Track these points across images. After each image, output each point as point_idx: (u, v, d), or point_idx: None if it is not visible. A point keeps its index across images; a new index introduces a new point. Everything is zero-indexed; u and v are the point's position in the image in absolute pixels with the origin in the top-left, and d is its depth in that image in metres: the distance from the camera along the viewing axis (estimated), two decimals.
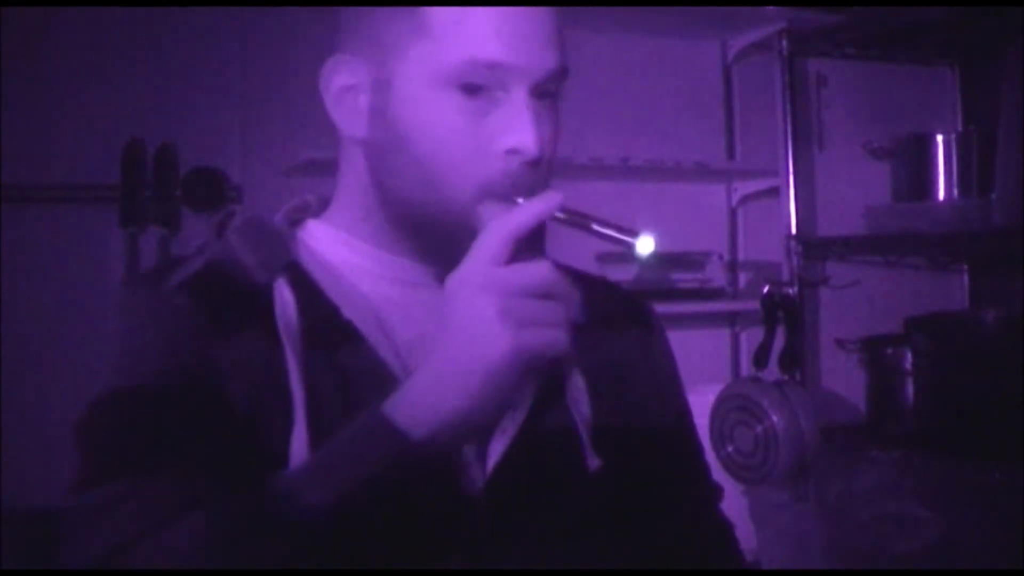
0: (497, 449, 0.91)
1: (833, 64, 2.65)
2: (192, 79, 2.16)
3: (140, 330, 0.90)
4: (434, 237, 0.94)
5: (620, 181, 2.46)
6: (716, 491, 1.14)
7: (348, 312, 0.93)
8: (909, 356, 2.33)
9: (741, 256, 2.61)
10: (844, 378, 2.57)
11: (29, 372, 1.99)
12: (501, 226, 0.80)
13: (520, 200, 0.87)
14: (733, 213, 2.62)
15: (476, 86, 0.89)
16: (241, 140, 2.19)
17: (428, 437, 0.78)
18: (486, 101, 0.89)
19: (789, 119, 2.47)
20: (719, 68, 2.62)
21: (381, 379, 0.89)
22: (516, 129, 0.88)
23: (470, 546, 0.88)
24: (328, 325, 0.92)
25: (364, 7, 0.96)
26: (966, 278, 2.74)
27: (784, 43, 2.45)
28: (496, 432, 0.91)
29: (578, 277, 1.02)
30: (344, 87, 0.96)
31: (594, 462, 0.93)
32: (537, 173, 0.90)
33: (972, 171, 2.37)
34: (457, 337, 0.78)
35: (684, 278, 2.37)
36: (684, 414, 1.12)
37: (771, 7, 2.39)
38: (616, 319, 1.06)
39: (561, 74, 0.92)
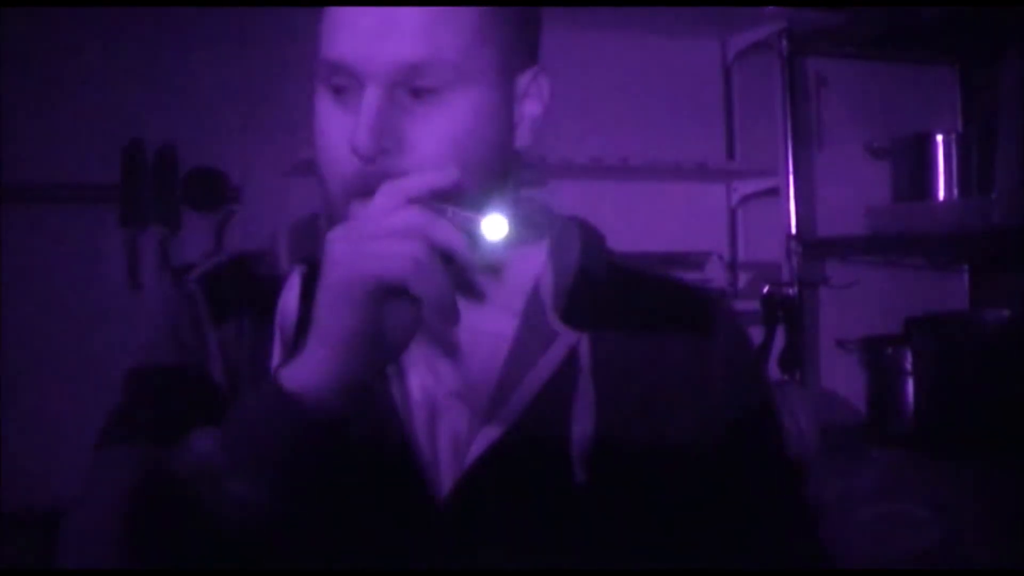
0: (474, 453, 0.89)
1: (833, 64, 2.65)
2: (192, 79, 2.16)
3: (154, 313, 0.99)
4: None
5: (620, 181, 2.46)
6: (787, 515, 1.01)
7: None
8: (909, 356, 2.33)
9: (741, 256, 2.61)
10: (844, 378, 2.57)
11: (29, 372, 1.99)
12: (387, 188, 0.80)
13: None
14: (733, 213, 2.62)
15: (337, 87, 0.88)
16: (241, 140, 2.19)
17: (301, 382, 0.80)
18: (349, 99, 0.87)
19: (789, 119, 2.46)
20: (719, 68, 2.62)
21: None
22: (355, 127, 0.85)
23: (432, 546, 0.87)
24: None
25: None
26: (966, 278, 2.75)
27: (784, 43, 2.45)
28: (479, 435, 0.89)
29: (628, 276, 1.01)
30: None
31: (581, 476, 0.89)
32: (380, 172, 0.85)
33: (972, 171, 2.37)
34: (321, 283, 0.81)
35: (684, 278, 2.36)
36: (747, 430, 0.99)
37: (771, 7, 2.39)
38: (659, 323, 0.98)
39: (430, 68, 0.85)
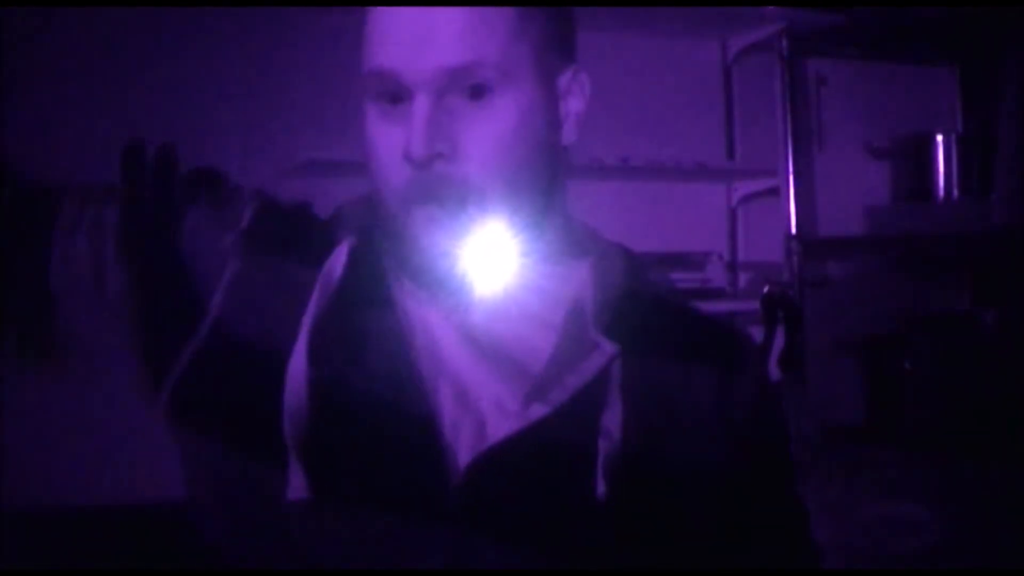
0: (500, 434, 0.90)
1: (833, 64, 2.65)
2: (192, 79, 2.16)
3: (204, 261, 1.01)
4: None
5: (620, 181, 2.46)
6: (788, 555, 1.03)
7: (393, 286, 0.94)
8: (909, 356, 2.33)
9: (741, 256, 2.61)
10: (844, 378, 2.57)
11: (29, 372, 1.99)
12: None
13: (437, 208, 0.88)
14: (733, 213, 2.62)
15: (388, 95, 0.88)
16: (241, 140, 2.20)
17: None
18: (401, 108, 0.88)
19: (789, 119, 2.47)
20: (719, 68, 2.62)
21: (391, 348, 0.91)
22: (407, 133, 0.86)
23: (439, 519, 0.88)
24: (367, 291, 0.93)
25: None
26: (966, 278, 2.75)
27: (784, 43, 2.46)
28: (509, 420, 0.90)
29: (663, 305, 1.01)
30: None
31: (601, 488, 0.90)
32: (443, 178, 0.87)
33: (972, 171, 2.38)
34: None
35: (684, 278, 2.37)
36: (761, 472, 1.02)
37: (771, 7, 2.39)
38: (688, 354, 0.99)
39: (478, 68, 0.86)
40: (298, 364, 0.88)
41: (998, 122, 2.23)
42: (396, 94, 0.88)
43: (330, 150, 2.06)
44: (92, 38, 2.09)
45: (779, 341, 2.36)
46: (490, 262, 0.89)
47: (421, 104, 0.86)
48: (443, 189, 0.87)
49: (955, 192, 2.38)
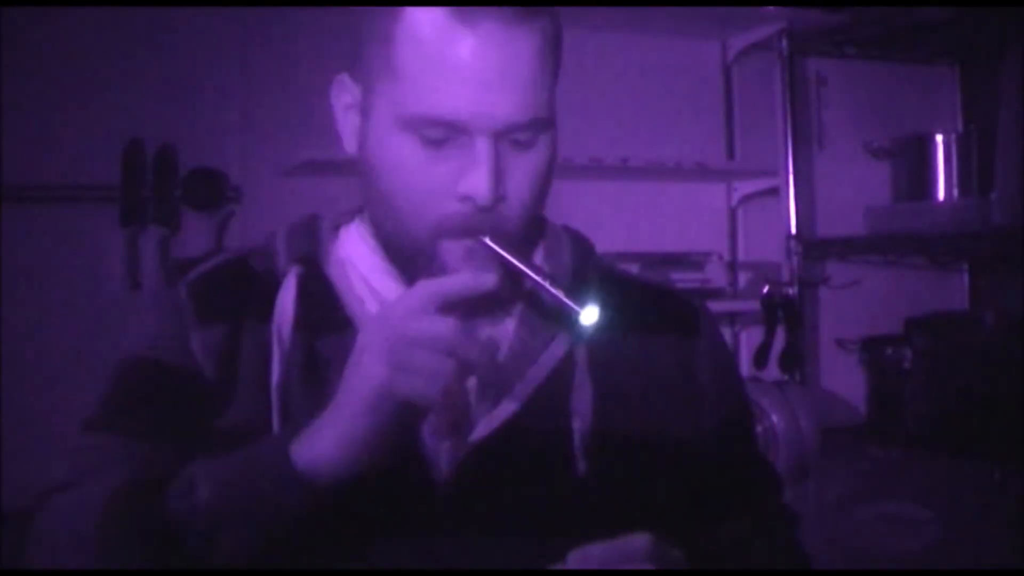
0: (476, 437, 0.93)
1: (833, 64, 2.65)
2: (192, 79, 2.16)
3: (146, 311, 1.03)
4: (413, 275, 0.96)
5: (620, 181, 2.46)
6: (762, 511, 1.09)
7: (349, 305, 0.98)
8: (909, 356, 2.33)
9: (741, 256, 2.61)
10: (844, 378, 2.57)
11: (29, 372, 1.99)
12: (426, 286, 0.85)
13: (480, 237, 0.91)
14: (733, 213, 2.62)
15: (435, 135, 0.90)
16: (241, 140, 2.19)
17: (313, 458, 0.84)
18: (448, 146, 0.91)
19: (789, 119, 2.46)
20: (719, 68, 2.62)
21: None
22: (470, 176, 0.90)
23: (429, 526, 0.91)
24: (321, 316, 0.97)
25: (361, 31, 0.97)
26: (966, 278, 2.75)
27: (784, 43, 2.45)
28: (481, 422, 0.93)
29: (616, 280, 1.06)
30: (345, 104, 1.00)
31: (583, 466, 0.94)
32: (493, 217, 0.91)
33: (972, 171, 2.38)
34: (350, 367, 0.85)
35: (684, 278, 2.37)
36: (727, 432, 1.07)
37: (771, 7, 2.39)
38: (647, 327, 1.05)
39: (532, 126, 0.92)
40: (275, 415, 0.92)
41: (998, 122, 2.23)
42: (445, 136, 0.90)
43: (330, 150, 2.05)
44: (92, 38, 2.09)
45: (779, 341, 2.36)
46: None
47: (487, 150, 0.90)
48: (495, 226, 0.91)
49: (955, 192, 2.38)
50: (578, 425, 0.95)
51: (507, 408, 0.94)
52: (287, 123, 2.18)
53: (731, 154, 2.62)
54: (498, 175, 0.90)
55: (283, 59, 2.20)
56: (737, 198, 2.59)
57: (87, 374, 0.99)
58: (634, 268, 2.28)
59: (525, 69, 0.90)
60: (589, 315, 0.89)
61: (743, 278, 2.61)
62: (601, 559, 0.82)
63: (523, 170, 0.93)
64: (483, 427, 0.94)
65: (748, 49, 2.56)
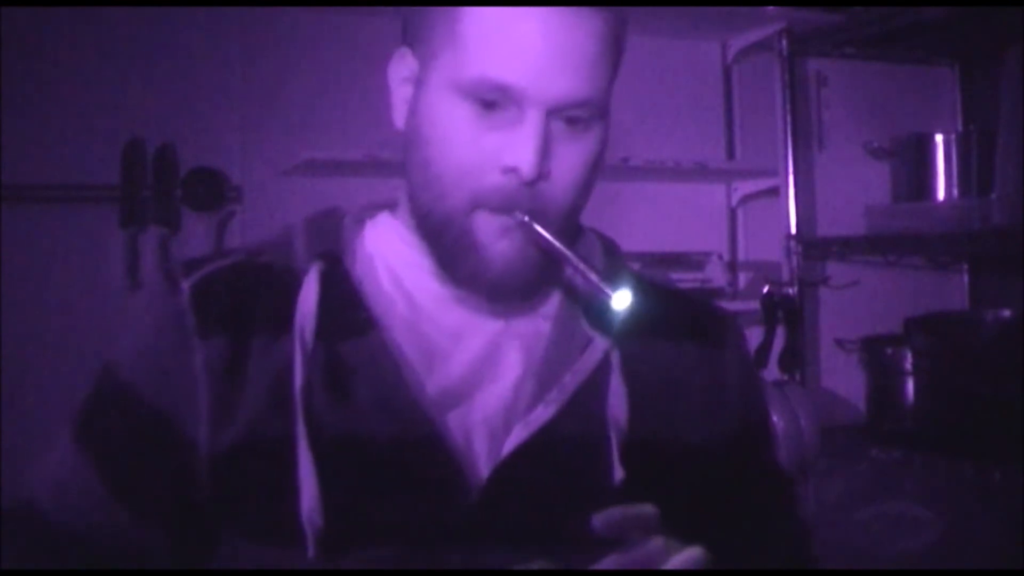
0: (510, 445, 0.91)
1: (833, 64, 2.65)
2: (192, 79, 2.16)
3: (141, 320, 0.97)
4: (442, 249, 0.94)
5: (620, 181, 2.46)
6: (781, 520, 1.08)
7: (374, 305, 0.95)
8: (909, 356, 2.33)
9: (741, 256, 2.61)
10: (844, 378, 2.57)
11: (29, 372, 1.99)
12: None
13: (517, 215, 0.89)
14: (733, 213, 2.62)
15: (488, 102, 0.90)
16: (241, 140, 2.19)
17: None
18: (499, 116, 0.90)
19: (789, 119, 2.46)
20: (719, 68, 2.62)
21: (381, 375, 0.91)
22: (518, 148, 0.89)
23: (464, 538, 0.89)
24: (344, 316, 0.93)
25: (422, 7, 0.96)
26: (966, 278, 2.74)
27: (784, 43, 2.45)
28: (517, 426, 0.92)
29: (645, 286, 1.03)
30: (402, 77, 0.98)
31: (619, 474, 0.93)
32: (535, 195, 0.90)
33: (972, 171, 2.37)
34: None
35: (684, 278, 2.37)
36: (750, 440, 1.07)
37: (771, 7, 2.39)
38: (678, 333, 1.04)
39: (588, 104, 0.91)
40: (304, 455, 0.88)
41: (998, 122, 2.23)
42: (497, 102, 0.89)
43: (330, 150, 2.06)
44: (92, 38, 2.09)
45: (779, 341, 2.36)
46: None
47: (536, 123, 0.89)
48: (535, 204, 0.90)
49: (955, 192, 2.38)
50: (614, 432, 0.94)
51: (543, 414, 0.92)
52: (287, 123, 2.18)
53: (731, 154, 2.62)
54: (545, 150, 0.89)
55: (283, 59, 2.20)
56: (737, 198, 2.59)
57: (87, 374, 0.98)
58: (634, 268, 2.28)
59: (586, 50, 0.89)
60: (621, 299, 0.88)
61: (743, 278, 2.61)
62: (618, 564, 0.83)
63: (571, 153, 0.92)
64: (518, 433, 0.91)
65: (748, 49, 2.56)
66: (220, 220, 2.17)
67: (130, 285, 2.08)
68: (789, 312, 2.35)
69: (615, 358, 0.97)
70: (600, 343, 0.97)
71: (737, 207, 2.61)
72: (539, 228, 0.89)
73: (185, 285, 0.94)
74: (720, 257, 2.46)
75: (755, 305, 2.38)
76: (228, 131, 2.19)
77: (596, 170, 0.95)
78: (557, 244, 0.90)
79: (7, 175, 2.01)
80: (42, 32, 2.06)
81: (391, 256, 0.99)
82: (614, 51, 0.93)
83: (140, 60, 2.12)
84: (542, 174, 0.90)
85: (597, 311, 0.97)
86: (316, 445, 0.87)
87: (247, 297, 0.94)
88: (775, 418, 1.99)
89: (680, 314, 1.07)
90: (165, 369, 0.92)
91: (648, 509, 0.83)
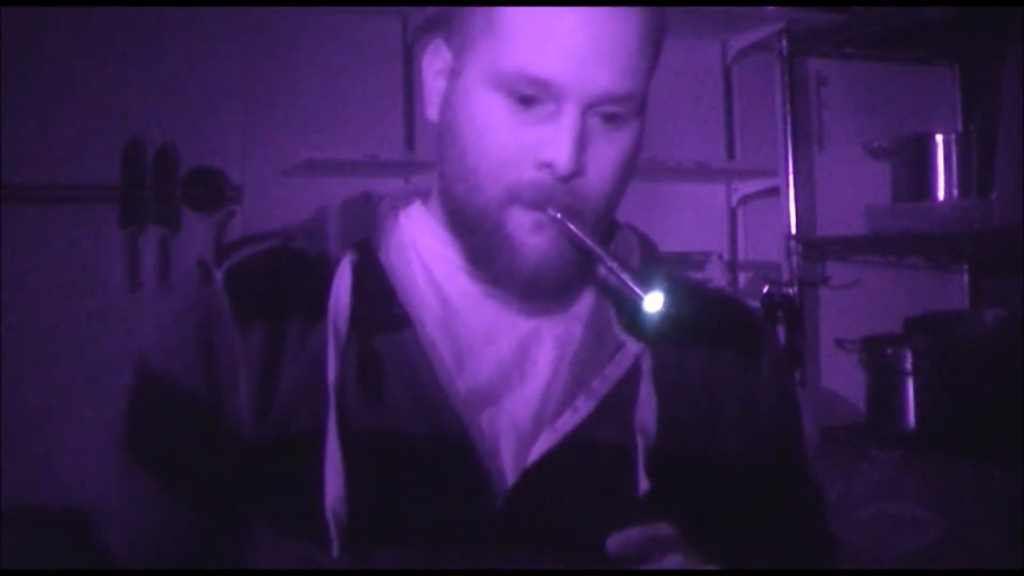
0: (537, 452, 0.90)
1: (833, 64, 2.65)
2: (192, 79, 2.16)
3: (177, 315, 0.96)
4: (474, 244, 0.93)
5: None
6: (811, 539, 1.07)
7: (407, 299, 0.93)
8: (909, 356, 2.32)
9: (741, 256, 2.61)
10: (844, 378, 2.57)
11: (29, 372, 1.99)
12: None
13: (551, 211, 0.88)
14: (733, 213, 2.62)
15: (526, 96, 0.88)
16: (241, 140, 2.20)
17: None
18: (536, 111, 0.89)
19: (789, 119, 2.46)
20: (719, 68, 2.62)
21: (414, 372, 0.90)
22: (554, 144, 0.88)
23: (487, 543, 0.88)
24: (378, 310, 0.92)
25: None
26: (966, 278, 2.74)
27: (784, 43, 2.45)
28: (543, 434, 0.90)
29: (681, 288, 1.01)
30: (436, 69, 0.96)
31: (644, 485, 0.91)
32: (570, 191, 0.89)
33: (972, 171, 2.37)
34: None
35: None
36: (783, 453, 1.04)
37: (771, 7, 2.39)
38: (712, 339, 1.01)
39: (626, 100, 0.90)
40: (332, 448, 0.87)
41: (998, 122, 2.23)
42: (534, 96, 0.88)
43: (330, 150, 2.06)
44: (91, 38, 2.10)
45: (779, 341, 2.36)
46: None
47: (573, 119, 0.88)
48: (569, 201, 0.89)
49: (955, 192, 2.38)
50: (641, 441, 0.92)
51: (570, 420, 0.91)
52: (287, 123, 2.18)
53: (731, 154, 2.62)
54: (581, 146, 0.88)
55: (283, 59, 2.21)
56: (737, 198, 2.59)
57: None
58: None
59: (625, 46, 0.89)
60: (653, 301, 0.87)
61: (743, 278, 2.61)
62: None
63: (607, 150, 0.91)
64: (545, 440, 0.90)
65: (748, 49, 2.56)
66: (220, 220, 2.17)
67: (130, 285, 2.08)
68: (789, 312, 2.35)
69: (646, 364, 0.94)
70: (631, 348, 0.95)
71: (737, 207, 2.61)
72: (572, 225, 0.88)
73: (218, 274, 0.93)
74: (720, 257, 2.46)
75: (755, 305, 2.38)
76: (228, 131, 2.19)
77: (631, 168, 0.94)
78: (589, 242, 0.88)
79: (7, 175, 2.01)
80: (42, 33, 2.06)
81: (423, 249, 0.97)
82: (652, 49, 0.92)
83: (140, 60, 2.12)
84: (577, 170, 0.88)
85: (630, 313, 0.95)
86: (345, 438, 0.87)
87: (280, 285, 0.93)
88: None
89: (715, 318, 1.04)
90: (208, 360, 0.91)
91: (664, 529, 0.83)
